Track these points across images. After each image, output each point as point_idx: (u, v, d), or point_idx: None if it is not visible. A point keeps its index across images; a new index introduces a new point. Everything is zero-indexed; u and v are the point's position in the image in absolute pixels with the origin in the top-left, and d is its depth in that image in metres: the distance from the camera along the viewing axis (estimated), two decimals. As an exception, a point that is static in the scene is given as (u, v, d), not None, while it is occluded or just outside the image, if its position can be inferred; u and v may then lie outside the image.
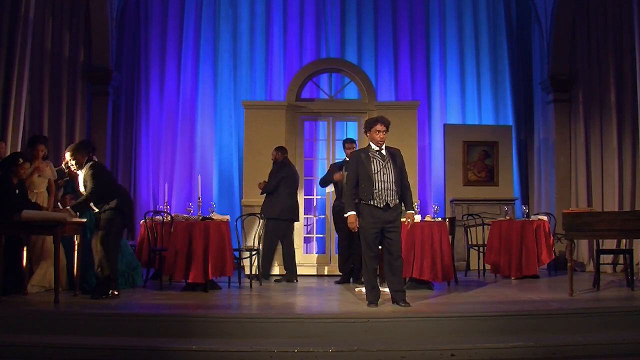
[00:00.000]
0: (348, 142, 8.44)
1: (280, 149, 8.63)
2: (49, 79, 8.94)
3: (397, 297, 5.72)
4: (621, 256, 8.51)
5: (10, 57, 7.58)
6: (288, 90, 10.02)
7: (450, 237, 7.83)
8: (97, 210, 6.41)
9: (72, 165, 6.39)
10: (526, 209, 8.99)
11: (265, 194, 8.43)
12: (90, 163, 6.36)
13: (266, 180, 8.51)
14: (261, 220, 7.82)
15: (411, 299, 5.90)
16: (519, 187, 10.82)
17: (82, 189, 6.43)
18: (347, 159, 8.15)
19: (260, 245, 7.87)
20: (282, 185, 8.35)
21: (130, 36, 10.71)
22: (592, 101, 9.68)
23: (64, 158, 7.48)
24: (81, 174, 6.39)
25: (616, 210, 8.80)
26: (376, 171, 5.78)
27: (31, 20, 7.82)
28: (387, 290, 5.96)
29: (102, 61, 9.90)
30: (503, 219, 8.84)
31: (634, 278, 7.30)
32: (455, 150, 10.47)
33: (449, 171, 10.50)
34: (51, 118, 8.97)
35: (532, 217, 8.79)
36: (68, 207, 6.31)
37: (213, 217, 7.40)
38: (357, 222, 5.81)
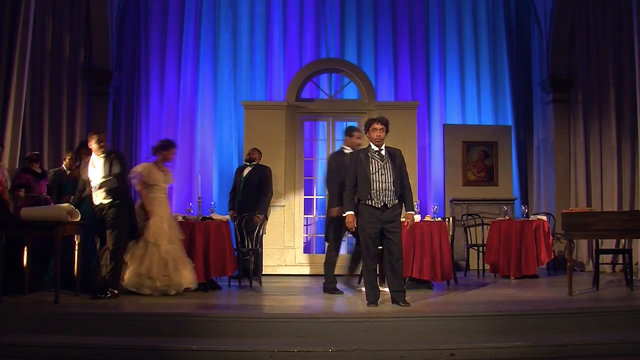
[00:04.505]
0: (356, 131, 7.16)
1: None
2: (49, 79, 8.96)
3: (397, 297, 5.74)
4: (620, 256, 8.52)
5: (10, 57, 7.58)
6: (288, 91, 10.03)
7: (449, 237, 7.84)
8: (106, 202, 6.40)
9: (99, 149, 6.43)
10: (525, 208, 9.00)
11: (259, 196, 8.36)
12: (116, 152, 6.46)
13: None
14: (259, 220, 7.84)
15: (411, 298, 5.92)
16: (518, 187, 10.83)
17: (96, 177, 6.43)
18: (344, 148, 7.12)
19: (258, 245, 7.87)
20: None
21: (130, 36, 10.71)
22: (591, 101, 9.69)
23: (64, 158, 7.52)
24: (100, 162, 6.42)
25: (615, 210, 8.83)
26: (374, 171, 5.80)
27: (31, 21, 7.83)
28: (387, 290, 5.97)
29: (102, 61, 9.91)
30: (502, 218, 8.85)
31: (633, 278, 7.32)
32: (454, 150, 10.49)
33: (449, 171, 10.51)
34: (51, 118, 8.99)
35: (532, 217, 8.79)
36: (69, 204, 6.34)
37: (213, 217, 7.41)
38: (355, 222, 5.84)
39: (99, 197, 6.45)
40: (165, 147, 6.92)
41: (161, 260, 6.55)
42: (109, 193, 6.39)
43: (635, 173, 8.86)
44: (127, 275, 6.53)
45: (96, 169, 6.44)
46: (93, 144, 6.47)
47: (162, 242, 6.59)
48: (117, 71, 10.27)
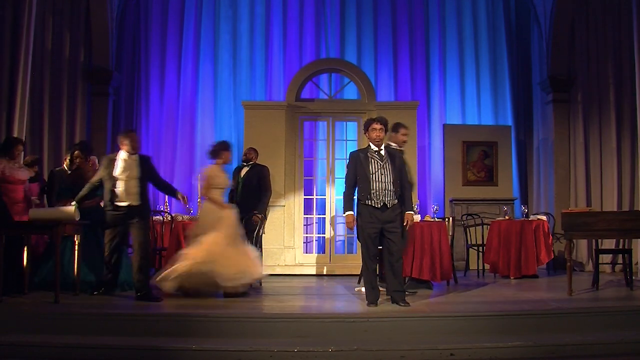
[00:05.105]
0: (403, 128, 6.85)
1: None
2: (49, 79, 8.96)
3: (397, 297, 5.74)
4: (620, 256, 8.53)
5: (14, 58, 7.58)
6: (288, 91, 10.03)
7: (449, 236, 7.84)
8: (136, 204, 6.37)
9: (133, 149, 6.44)
10: (525, 208, 9.01)
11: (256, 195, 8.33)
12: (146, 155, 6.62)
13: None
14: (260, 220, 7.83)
15: (410, 298, 5.92)
16: (518, 187, 10.84)
17: (129, 177, 6.40)
18: (389, 143, 6.45)
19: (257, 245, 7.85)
20: None
21: (130, 36, 10.72)
22: (591, 101, 9.70)
23: (65, 158, 7.52)
24: (134, 163, 6.41)
25: (615, 210, 8.83)
26: (374, 171, 5.80)
27: (32, 21, 7.82)
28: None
29: (102, 61, 9.92)
30: (502, 218, 8.85)
31: (633, 278, 7.32)
32: (454, 150, 10.49)
33: (449, 171, 10.52)
34: (51, 118, 8.99)
35: (531, 217, 8.80)
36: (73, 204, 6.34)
37: (213, 217, 7.38)
38: (355, 222, 5.84)
39: (129, 198, 6.37)
40: (226, 148, 6.92)
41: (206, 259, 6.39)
42: (140, 195, 6.39)
43: (635, 173, 8.86)
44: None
45: (127, 169, 6.38)
46: (127, 143, 6.44)
47: (217, 245, 6.44)
48: (117, 71, 10.28)
